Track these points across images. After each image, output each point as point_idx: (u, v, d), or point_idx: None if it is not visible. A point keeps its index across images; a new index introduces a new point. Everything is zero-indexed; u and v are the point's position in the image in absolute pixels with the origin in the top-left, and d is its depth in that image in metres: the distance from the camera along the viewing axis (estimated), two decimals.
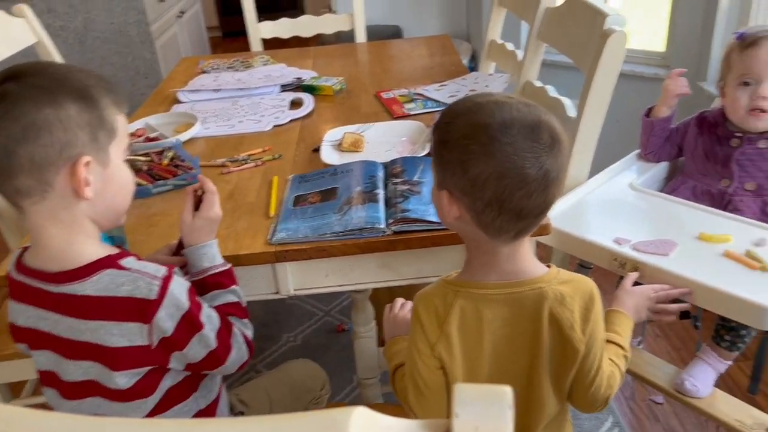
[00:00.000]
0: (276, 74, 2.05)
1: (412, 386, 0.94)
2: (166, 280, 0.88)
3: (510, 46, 2.02)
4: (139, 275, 0.87)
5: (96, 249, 0.89)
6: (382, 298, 1.65)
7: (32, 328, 0.92)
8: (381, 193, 1.26)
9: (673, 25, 2.39)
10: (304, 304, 2.32)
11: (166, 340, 0.89)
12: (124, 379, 0.90)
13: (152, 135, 1.63)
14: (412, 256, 1.21)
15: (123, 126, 0.91)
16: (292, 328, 2.22)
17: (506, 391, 0.46)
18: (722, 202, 1.28)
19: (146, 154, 1.48)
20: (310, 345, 2.13)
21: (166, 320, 0.88)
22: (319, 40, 3.39)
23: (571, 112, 1.49)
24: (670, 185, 1.38)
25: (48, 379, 0.96)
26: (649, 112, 1.41)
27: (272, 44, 2.49)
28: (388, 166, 1.37)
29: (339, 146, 1.50)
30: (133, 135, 1.65)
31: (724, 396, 1.25)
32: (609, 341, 0.99)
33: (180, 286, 0.90)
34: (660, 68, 2.46)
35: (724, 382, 1.84)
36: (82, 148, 0.84)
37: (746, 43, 1.23)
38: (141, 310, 0.86)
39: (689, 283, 1.06)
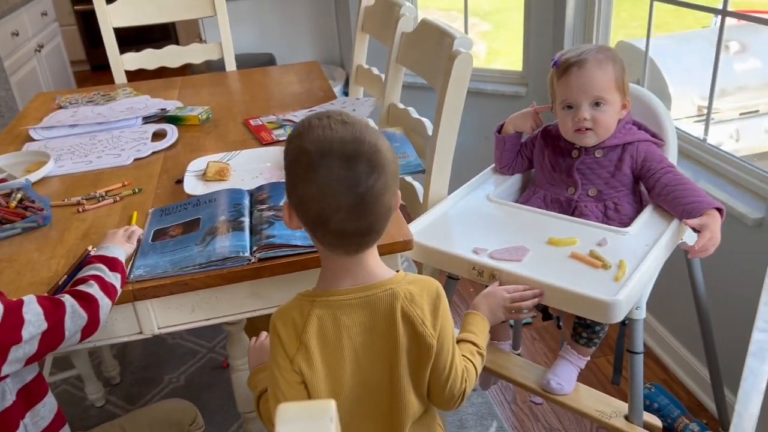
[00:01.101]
0: (139, 106, 1.98)
1: (275, 406, 0.93)
2: None
3: (376, 70, 2.08)
4: None
5: None
6: (260, 327, 1.62)
7: None
8: (246, 220, 1.25)
9: (527, 46, 2.55)
10: (186, 342, 2.24)
11: None
12: None
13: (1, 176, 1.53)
14: (281, 282, 1.20)
15: None
16: (175, 368, 2.13)
17: (329, 406, 0.47)
18: (570, 208, 1.37)
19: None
20: (194, 384, 2.05)
21: None
22: (189, 70, 3.32)
23: (431, 131, 1.55)
24: (524, 195, 1.46)
25: None
26: (500, 129, 1.49)
27: (144, 77, 2.41)
28: (254, 193, 1.36)
29: (203, 176, 1.47)
30: None
31: (586, 389, 1.33)
32: (464, 340, 1.05)
33: None
34: (519, 86, 2.61)
35: (594, 376, 1.96)
36: None
37: (560, 71, 1.33)
38: None
39: (541, 285, 1.12)
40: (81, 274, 1.06)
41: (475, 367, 1.03)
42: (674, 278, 1.60)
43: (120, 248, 1.13)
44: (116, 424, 1.23)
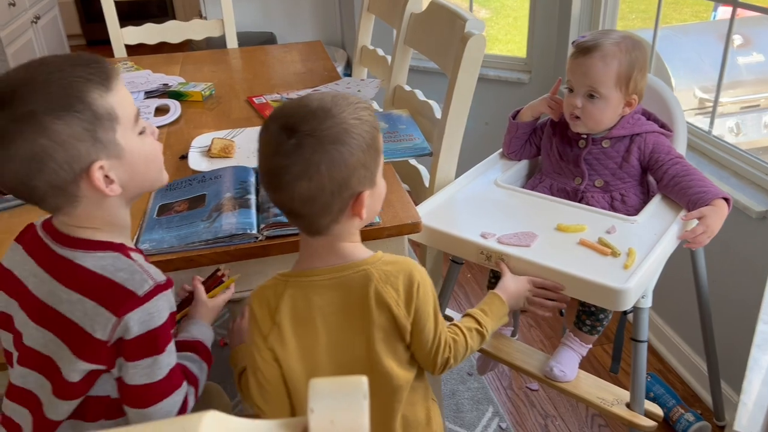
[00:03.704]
0: (140, 81, 1.95)
1: (254, 383, 0.95)
2: (159, 287, 0.87)
3: (381, 51, 2.06)
4: (140, 269, 0.87)
5: (113, 236, 0.90)
6: None
7: (17, 276, 0.91)
8: (253, 198, 1.23)
9: (531, 33, 2.53)
10: None
11: (121, 341, 0.86)
12: (76, 372, 0.87)
13: None
14: (287, 260, 1.18)
15: (120, 103, 0.86)
16: None
17: (361, 381, 0.46)
18: (576, 198, 1.36)
19: None
20: None
21: (136, 323, 0.85)
22: (188, 47, 3.28)
23: (439, 114, 1.54)
24: (530, 183, 1.46)
25: (6, 325, 0.94)
26: (516, 115, 1.48)
27: (142, 51, 2.37)
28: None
29: (208, 152, 1.46)
30: None
31: (588, 377, 1.34)
32: (470, 315, 1.06)
33: (166, 302, 0.88)
34: (522, 73, 2.60)
35: (590, 364, 1.97)
36: (88, 156, 0.82)
37: (573, 52, 1.33)
38: (120, 300, 0.84)
39: (550, 271, 1.12)
40: (194, 368, 1.00)
41: (467, 342, 1.02)
42: (671, 269, 1.60)
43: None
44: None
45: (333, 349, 0.93)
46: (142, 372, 0.89)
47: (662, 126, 1.36)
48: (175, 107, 1.73)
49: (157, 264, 1.09)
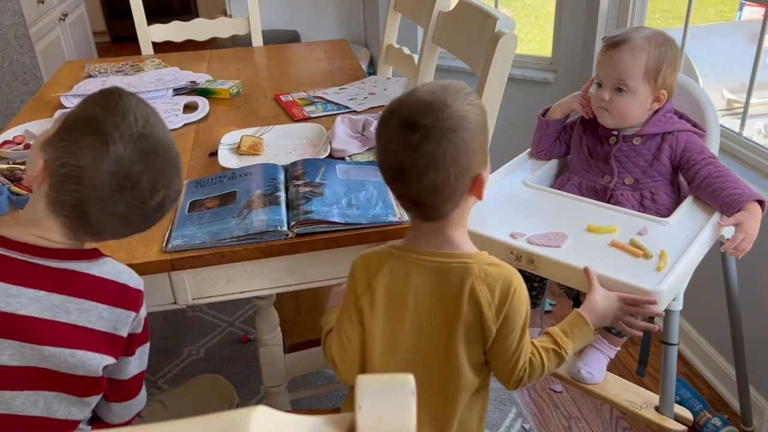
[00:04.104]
0: (168, 78, 1.97)
1: (337, 341, 0.99)
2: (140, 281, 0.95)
3: (406, 50, 2.05)
4: (130, 269, 0.94)
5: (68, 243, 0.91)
6: (287, 303, 1.63)
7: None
8: (282, 195, 1.24)
9: (558, 32, 2.51)
10: (206, 316, 2.25)
11: (132, 336, 0.94)
12: (99, 367, 0.90)
13: (32, 142, 1.52)
14: (315, 258, 1.20)
15: None
16: (194, 341, 2.14)
17: (408, 379, 0.46)
18: (605, 196, 1.35)
19: (26, 163, 1.38)
20: (213, 358, 2.06)
21: (142, 317, 0.95)
22: (213, 45, 3.31)
23: None
24: (558, 182, 1.44)
25: None
26: (545, 113, 1.47)
27: (165, 49, 2.39)
28: (288, 169, 1.35)
29: (237, 149, 1.47)
30: (11, 142, 1.54)
31: (616, 379, 1.33)
32: (549, 334, 1.02)
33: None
34: (548, 72, 2.58)
35: (615, 367, 1.95)
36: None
37: (603, 47, 1.32)
38: (135, 299, 0.92)
39: (580, 272, 1.11)
40: None
41: (544, 363, 0.98)
42: (699, 272, 1.58)
43: None
44: (156, 399, 1.22)
45: (416, 330, 0.96)
46: (137, 362, 0.98)
47: (694, 126, 1.35)
48: (204, 105, 1.74)
49: (189, 259, 1.11)
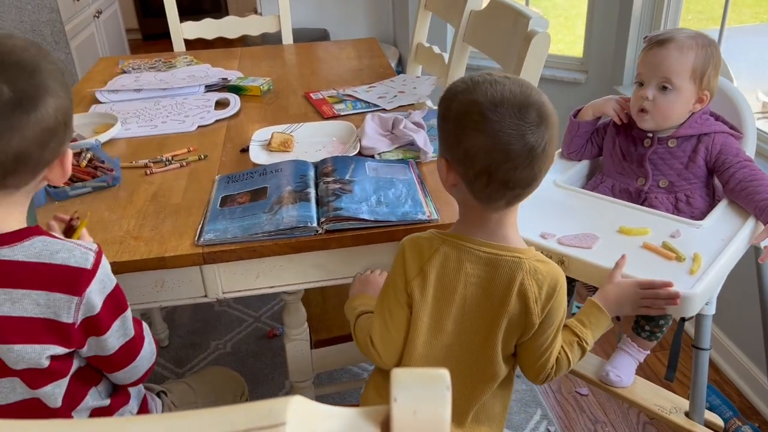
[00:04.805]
0: (200, 74, 2.00)
1: (379, 323, 1.00)
2: (99, 254, 0.86)
3: (436, 49, 2.05)
4: (74, 245, 0.84)
5: (23, 221, 0.86)
6: (314, 299, 1.64)
7: None
8: (312, 192, 1.25)
9: (589, 32, 2.49)
10: (233, 310, 2.27)
11: (90, 320, 0.86)
12: (34, 354, 0.84)
13: None
14: (344, 255, 1.20)
15: None
16: (221, 335, 2.16)
17: (443, 374, 0.46)
18: (639, 199, 1.33)
19: None
20: (240, 352, 2.08)
21: (96, 294, 0.85)
22: (243, 42, 3.34)
23: None
24: (591, 183, 1.43)
25: None
26: (577, 113, 1.46)
27: (195, 46, 2.43)
28: (318, 166, 1.36)
29: (268, 146, 1.48)
30: None
31: (644, 383, 1.31)
32: (570, 328, 1.04)
33: (106, 263, 0.88)
34: (578, 73, 2.56)
35: (642, 371, 1.93)
36: (65, 144, 0.84)
37: (645, 47, 1.30)
38: (74, 280, 0.82)
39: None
40: None
41: (569, 359, 1.02)
42: (731, 276, 1.55)
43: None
44: (183, 382, 1.26)
45: (461, 317, 0.97)
46: (116, 336, 0.91)
47: (731, 128, 1.33)
48: (235, 101, 1.76)
49: (220, 253, 1.13)
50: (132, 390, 1.04)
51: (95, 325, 0.87)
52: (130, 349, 0.95)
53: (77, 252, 0.84)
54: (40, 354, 0.84)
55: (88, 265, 0.83)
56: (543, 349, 0.98)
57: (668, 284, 1.03)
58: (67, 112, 0.82)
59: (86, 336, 0.88)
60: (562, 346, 1.02)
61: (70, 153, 0.86)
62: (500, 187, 0.89)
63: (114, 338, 0.91)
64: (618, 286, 1.06)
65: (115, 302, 0.89)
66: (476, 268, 0.95)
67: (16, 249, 0.81)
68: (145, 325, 1.01)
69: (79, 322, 0.85)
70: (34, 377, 0.86)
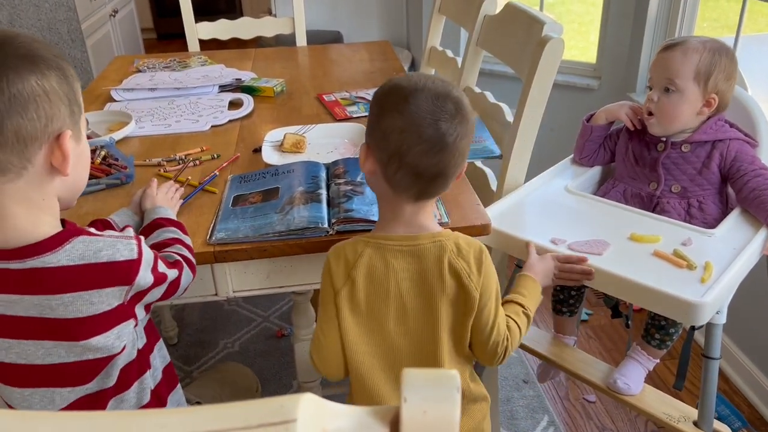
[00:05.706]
0: (214, 75, 2.01)
1: (315, 336, 1.02)
2: (138, 239, 0.88)
3: (449, 53, 2.05)
4: (115, 239, 0.85)
5: (57, 225, 0.85)
6: None
7: None
8: (324, 193, 1.25)
9: (603, 38, 2.49)
10: (242, 310, 2.28)
11: (139, 294, 0.89)
12: (108, 342, 0.87)
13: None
14: None
15: (82, 101, 0.87)
16: (230, 334, 2.17)
17: (454, 375, 0.46)
18: (651, 204, 1.33)
19: None
20: (248, 351, 2.09)
21: (145, 276, 0.87)
22: (257, 43, 3.35)
23: (510, 117, 1.53)
24: (602, 189, 1.43)
25: None
26: (590, 118, 1.46)
27: (210, 47, 2.44)
28: (330, 167, 1.36)
29: (280, 147, 1.49)
30: None
31: (653, 391, 1.30)
32: (512, 301, 1.08)
33: (143, 241, 0.90)
34: (592, 79, 2.55)
35: (651, 379, 1.92)
36: (63, 122, 0.81)
37: (658, 51, 1.31)
38: (125, 273, 0.84)
39: (623, 281, 1.10)
40: (160, 238, 1.05)
41: (519, 328, 1.05)
42: (742, 286, 1.54)
43: (172, 210, 1.15)
44: (207, 377, 1.27)
45: (402, 315, 0.99)
46: (155, 294, 0.92)
47: (746, 136, 1.32)
48: (248, 102, 1.77)
49: (231, 252, 1.13)
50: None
51: (143, 294, 0.90)
52: (173, 287, 0.97)
53: (120, 245, 0.84)
54: (115, 339, 0.87)
55: (134, 255, 0.85)
56: (490, 324, 1.00)
57: (583, 259, 1.14)
58: (50, 84, 0.79)
59: (134, 304, 0.90)
60: (509, 316, 1.04)
61: (68, 134, 0.81)
62: (410, 173, 0.93)
63: (154, 295, 0.93)
64: (541, 260, 1.15)
65: (157, 275, 0.90)
66: (403, 263, 0.97)
67: (59, 254, 0.81)
68: (176, 256, 1.00)
69: (128, 300, 0.87)
70: (100, 364, 0.89)
